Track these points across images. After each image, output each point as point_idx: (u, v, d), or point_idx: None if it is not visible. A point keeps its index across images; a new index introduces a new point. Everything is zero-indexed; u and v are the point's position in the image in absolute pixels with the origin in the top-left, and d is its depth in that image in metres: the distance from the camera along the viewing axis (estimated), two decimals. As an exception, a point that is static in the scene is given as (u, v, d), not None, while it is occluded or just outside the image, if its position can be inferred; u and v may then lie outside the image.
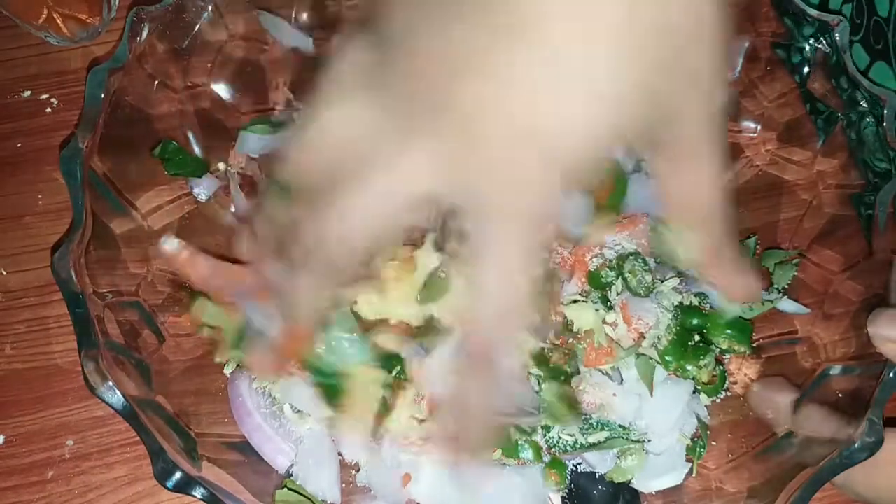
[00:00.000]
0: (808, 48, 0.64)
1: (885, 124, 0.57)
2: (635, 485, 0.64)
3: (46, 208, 0.77)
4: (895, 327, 0.53)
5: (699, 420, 0.65)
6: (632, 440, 0.62)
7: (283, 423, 0.64)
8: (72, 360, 0.72)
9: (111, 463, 0.70)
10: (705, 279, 0.54)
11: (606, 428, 0.63)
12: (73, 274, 0.53)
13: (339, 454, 0.65)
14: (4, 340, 0.73)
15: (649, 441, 0.63)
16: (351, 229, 0.43)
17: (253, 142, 0.71)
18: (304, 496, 0.62)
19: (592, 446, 0.63)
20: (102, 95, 0.57)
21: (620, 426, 0.63)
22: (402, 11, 0.41)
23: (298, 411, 0.64)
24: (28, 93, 0.82)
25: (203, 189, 0.70)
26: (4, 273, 0.76)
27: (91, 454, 0.70)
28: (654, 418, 0.63)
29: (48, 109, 0.81)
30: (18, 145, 0.80)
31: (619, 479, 0.63)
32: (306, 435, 0.64)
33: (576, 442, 0.62)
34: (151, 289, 0.64)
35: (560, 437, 0.62)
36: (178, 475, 0.52)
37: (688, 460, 0.64)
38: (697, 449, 0.64)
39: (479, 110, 0.39)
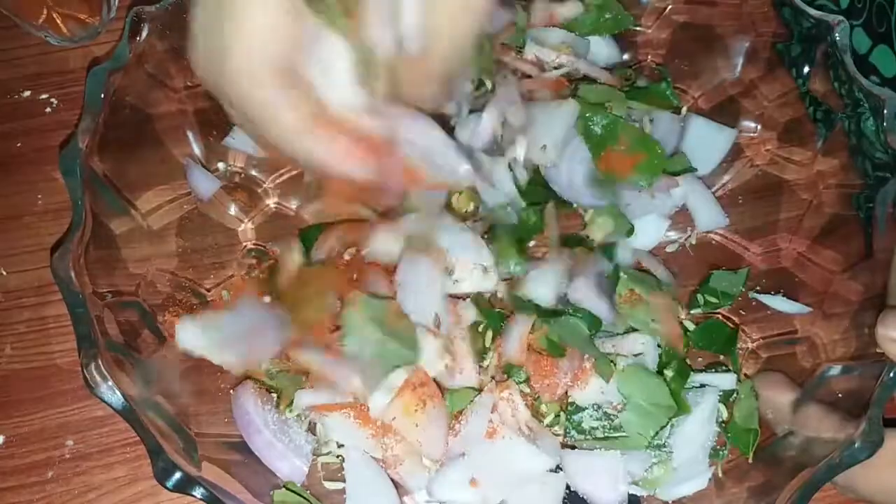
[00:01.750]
0: (808, 48, 0.64)
1: (884, 124, 0.57)
2: (659, 494, 0.63)
3: (46, 208, 0.77)
4: None
5: (720, 427, 0.65)
6: (653, 446, 0.62)
7: (292, 437, 0.64)
8: (72, 360, 0.72)
9: (111, 463, 0.70)
10: None
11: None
12: (72, 274, 0.53)
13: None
14: (4, 340, 0.73)
15: (670, 452, 0.63)
16: None
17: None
18: (302, 497, 0.62)
19: (606, 440, 0.62)
20: (102, 95, 0.57)
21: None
22: None
23: (341, 445, 0.65)
24: (28, 93, 0.82)
25: (202, 188, 0.70)
26: (4, 273, 0.76)
27: (91, 454, 0.70)
28: (684, 435, 0.63)
29: (48, 109, 0.81)
30: (18, 145, 0.80)
31: (646, 489, 0.63)
32: (351, 466, 0.63)
33: (592, 430, 0.62)
34: (151, 289, 0.64)
35: (583, 420, 0.63)
36: (177, 475, 0.52)
37: (711, 465, 0.64)
38: (720, 453, 0.64)
39: None
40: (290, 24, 0.46)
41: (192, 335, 0.62)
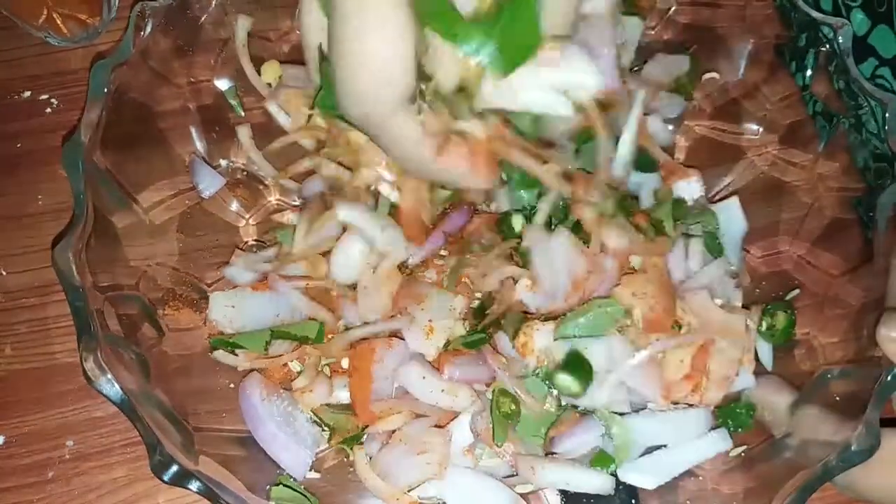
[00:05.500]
0: (810, 51, 0.64)
1: (885, 127, 0.57)
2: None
3: (46, 208, 0.77)
4: None
5: None
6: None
7: (297, 429, 0.63)
8: (72, 361, 0.72)
9: (111, 463, 0.70)
10: None
11: None
12: (73, 266, 0.53)
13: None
14: (4, 341, 0.73)
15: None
16: None
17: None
18: (298, 493, 0.61)
19: None
20: (105, 90, 0.57)
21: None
22: None
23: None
24: (28, 93, 0.82)
25: (206, 185, 0.70)
26: (4, 273, 0.76)
27: (91, 455, 0.70)
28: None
29: (48, 109, 0.81)
30: (18, 145, 0.80)
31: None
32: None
33: None
34: (152, 283, 0.64)
35: None
36: (174, 468, 0.51)
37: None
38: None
39: None
40: (411, 50, 0.50)
41: (223, 309, 0.64)
